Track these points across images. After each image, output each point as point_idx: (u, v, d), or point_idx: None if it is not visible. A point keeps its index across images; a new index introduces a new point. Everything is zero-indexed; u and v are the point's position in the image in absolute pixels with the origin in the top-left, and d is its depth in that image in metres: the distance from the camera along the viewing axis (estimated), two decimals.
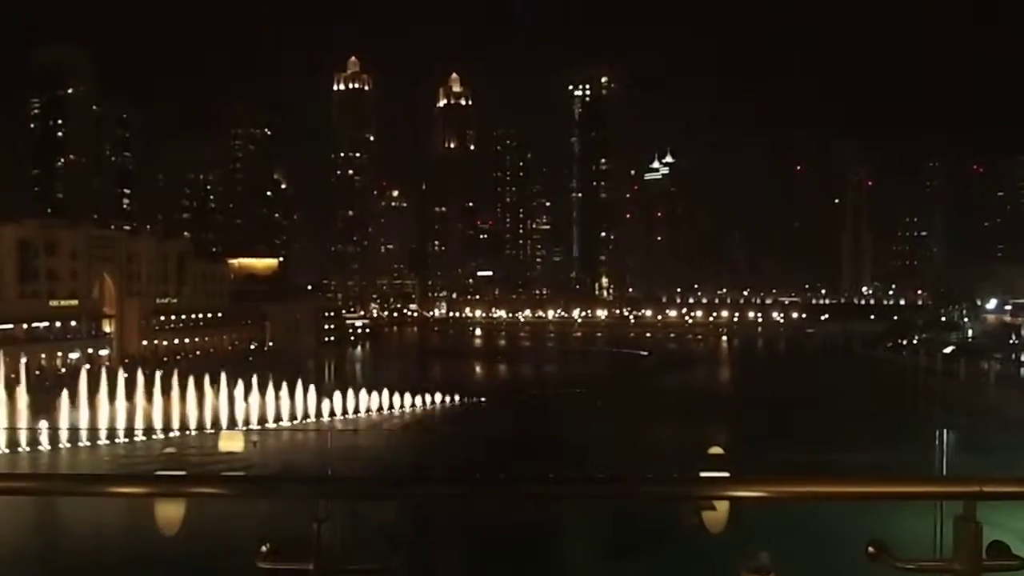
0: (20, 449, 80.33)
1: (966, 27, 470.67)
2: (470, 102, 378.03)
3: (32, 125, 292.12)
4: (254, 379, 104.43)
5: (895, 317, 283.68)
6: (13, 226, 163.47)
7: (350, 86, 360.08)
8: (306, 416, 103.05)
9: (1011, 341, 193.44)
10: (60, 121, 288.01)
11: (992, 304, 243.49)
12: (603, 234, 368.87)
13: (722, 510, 5.08)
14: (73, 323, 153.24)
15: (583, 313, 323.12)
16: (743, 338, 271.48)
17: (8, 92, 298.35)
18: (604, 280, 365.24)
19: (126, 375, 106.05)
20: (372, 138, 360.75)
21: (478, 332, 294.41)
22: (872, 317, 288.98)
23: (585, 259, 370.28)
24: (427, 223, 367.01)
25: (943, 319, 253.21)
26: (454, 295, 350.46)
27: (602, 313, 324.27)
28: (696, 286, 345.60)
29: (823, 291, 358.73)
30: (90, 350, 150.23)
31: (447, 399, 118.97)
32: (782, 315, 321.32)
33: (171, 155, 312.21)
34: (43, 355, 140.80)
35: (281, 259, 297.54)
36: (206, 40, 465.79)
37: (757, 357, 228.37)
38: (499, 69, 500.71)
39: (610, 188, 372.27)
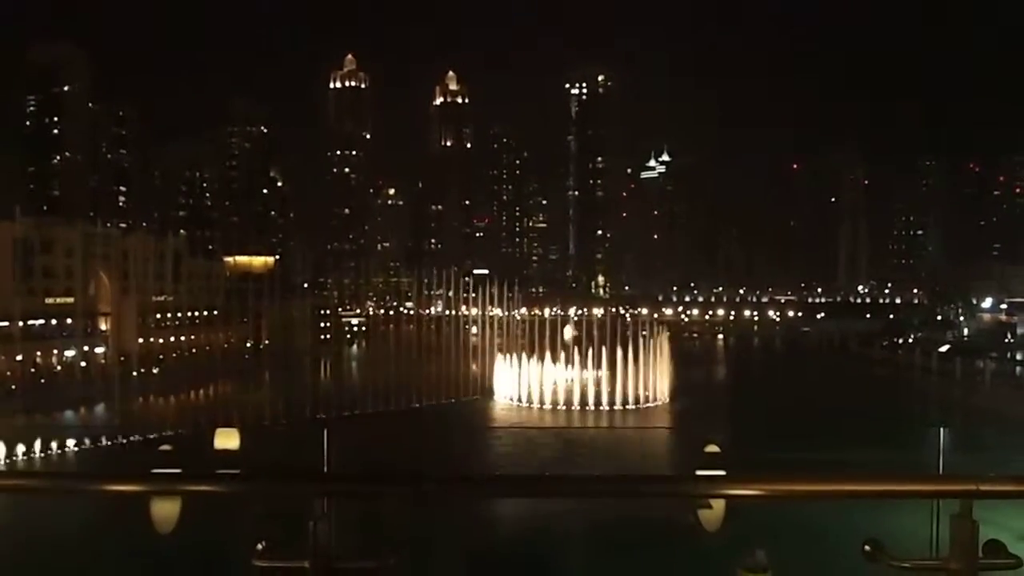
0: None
1: (963, 25, 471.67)
2: (467, 100, 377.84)
3: (27, 123, 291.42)
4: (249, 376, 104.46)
5: (891, 316, 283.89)
6: (8, 224, 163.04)
7: (346, 84, 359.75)
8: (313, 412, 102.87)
9: (1006, 340, 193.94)
10: (56, 119, 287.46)
11: (988, 303, 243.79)
12: (599, 232, 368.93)
13: (719, 508, 5.08)
14: (69, 321, 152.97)
15: (579, 311, 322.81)
16: (739, 336, 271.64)
17: (3, 90, 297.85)
18: (600, 278, 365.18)
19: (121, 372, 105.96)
20: (368, 136, 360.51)
21: (474, 330, 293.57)
22: (868, 316, 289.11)
23: (581, 257, 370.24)
24: (423, 221, 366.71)
25: (939, 318, 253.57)
26: (450, 293, 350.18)
27: (598, 311, 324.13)
28: (692, 284, 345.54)
29: (819, 290, 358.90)
30: (86, 348, 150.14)
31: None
32: (778, 313, 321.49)
33: (167, 153, 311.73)
34: (39, 352, 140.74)
35: (277, 257, 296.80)
36: (202, 38, 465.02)
37: (753, 356, 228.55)
38: (496, 67, 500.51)
39: (607, 186, 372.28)
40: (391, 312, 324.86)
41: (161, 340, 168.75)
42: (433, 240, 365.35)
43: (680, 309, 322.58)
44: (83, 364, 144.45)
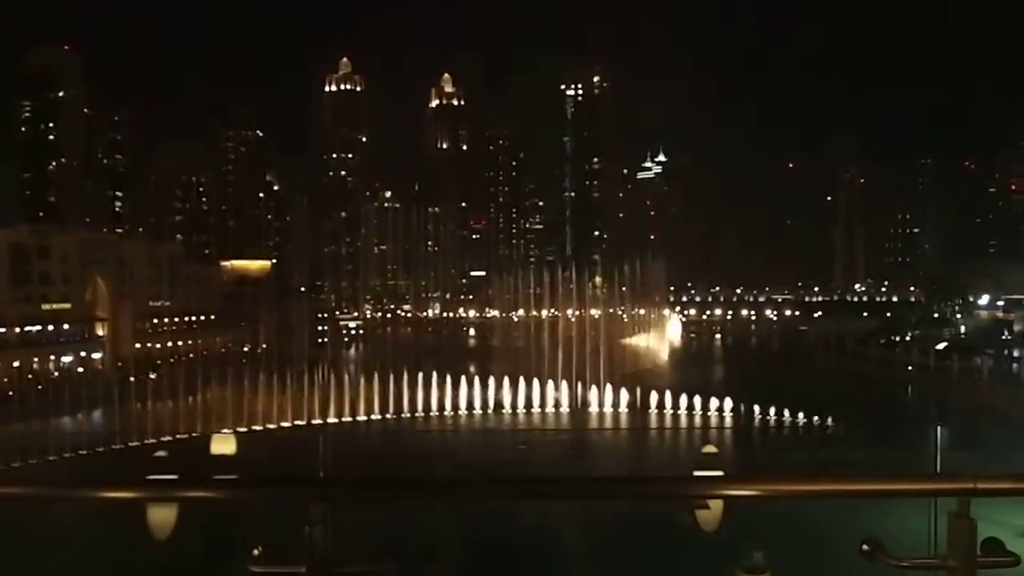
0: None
1: (960, 23, 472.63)
2: (462, 102, 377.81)
3: (23, 128, 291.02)
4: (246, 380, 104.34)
5: (888, 314, 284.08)
6: (5, 230, 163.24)
7: (342, 87, 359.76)
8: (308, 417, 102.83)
9: (1003, 337, 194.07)
10: (51, 124, 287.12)
11: (984, 300, 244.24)
12: (596, 233, 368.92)
13: (716, 509, 5.08)
14: (66, 326, 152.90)
15: (576, 312, 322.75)
16: (736, 336, 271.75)
17: None
18: (597, 279, 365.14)
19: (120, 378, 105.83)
20: (364, 139, 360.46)
21: (472, 332, 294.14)
22: (865, 314, 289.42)
23: (578, 258, 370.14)
24: (420, 224, 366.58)
25: (935, 316, 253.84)
26: (447, 295, 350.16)
27: (596, 312, 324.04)
28: (689, 284, 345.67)
29: (816, 288, 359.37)
30: (83, 353, 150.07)
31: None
32: (775, 313, 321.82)
33: (163, 158, 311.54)
34: (36, 359, 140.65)
35: (274, 261, 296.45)
36: (198, 42, 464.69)
37: (751, 355, 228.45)
38: (492, 69, 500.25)
39: (603, 187, 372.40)
40: (388, 315, 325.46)
41: (158, 345, 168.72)
42: (430, 243, 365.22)
43: (677, 309, 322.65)
44: (80, 370, 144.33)
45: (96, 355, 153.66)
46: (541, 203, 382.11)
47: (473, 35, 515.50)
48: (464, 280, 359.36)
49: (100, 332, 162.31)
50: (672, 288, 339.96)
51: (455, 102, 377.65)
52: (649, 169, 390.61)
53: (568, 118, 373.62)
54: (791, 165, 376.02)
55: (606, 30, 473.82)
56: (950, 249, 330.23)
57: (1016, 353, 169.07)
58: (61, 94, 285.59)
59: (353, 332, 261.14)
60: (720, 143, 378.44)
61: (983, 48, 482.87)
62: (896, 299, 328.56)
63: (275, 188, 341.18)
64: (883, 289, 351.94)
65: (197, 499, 4.97)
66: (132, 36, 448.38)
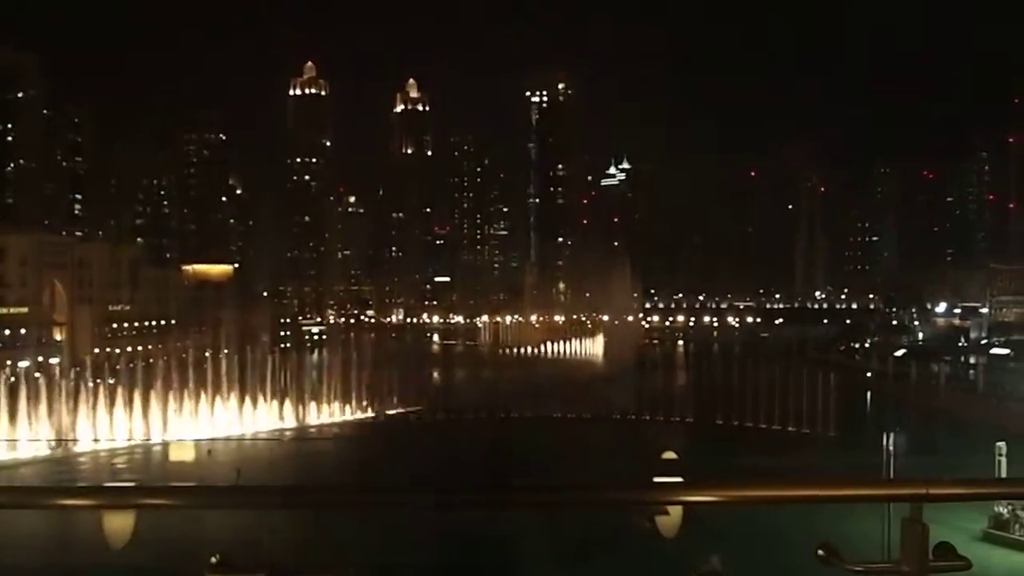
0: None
1: (917, 33, 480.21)
2: (427, 108, 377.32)
3: None
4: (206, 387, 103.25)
5: (847, 321, 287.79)
6: None
7: (306, 91, 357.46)
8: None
9: (960, 344, 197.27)
10: (9, 126, 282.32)
11: (942, 308, 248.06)
12: (560, 239, 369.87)
13: (675, 514, 5.11)
14: (23, 331, 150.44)
15: (540, 318, 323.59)
16: (699, 342, 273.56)
17: None
18: (561, 285, 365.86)
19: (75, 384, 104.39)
20: (328, 143, 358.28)
21: (435, 338, 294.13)
22: (825, 321, 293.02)
23: (542, 264, 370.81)
24: (384, 228, 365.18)
25: (894, 322, 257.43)
26: (411, 300, 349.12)
27: (559, 318, 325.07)
28: (652, 291, 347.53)
29: (777, 296, 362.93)
30: (40, 358, 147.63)
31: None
32: (737, 319, 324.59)
33: (124, 160, 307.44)
34: None
35: (236, 265, 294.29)
36: (159, 43, 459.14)
37: (713, 361, 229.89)
38: (456, 75, 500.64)
39: (567, 194, 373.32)
40: (352, 320, 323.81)
41: (117, 350, 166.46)
42: (394, 248, 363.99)
43: (640, 315, 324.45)
44: (37, 375, 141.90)
45: (54, 360, 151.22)
46: (505, 209, 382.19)
47: (439, 41, 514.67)
48: (428, 285, 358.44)
49: (58, 337, 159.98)
50: (635, 294, 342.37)
51: (420, 107, 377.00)
52: (613, 176, 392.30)
53: (533, 125, 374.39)
54: (753, 173, 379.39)
55: (572, 38, 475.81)
56: (908, 257, 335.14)
57: (972, 359, 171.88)
58: (20, 95, 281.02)
59: (316, 337, 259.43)
60: (684, 151, 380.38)
61: (941, 58, 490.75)
62: (855, 306, 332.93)
63: (238, 192, 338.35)
64: (843, 296, 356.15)
65: (155, 507, 4.91)
66: (94, 37, 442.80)
